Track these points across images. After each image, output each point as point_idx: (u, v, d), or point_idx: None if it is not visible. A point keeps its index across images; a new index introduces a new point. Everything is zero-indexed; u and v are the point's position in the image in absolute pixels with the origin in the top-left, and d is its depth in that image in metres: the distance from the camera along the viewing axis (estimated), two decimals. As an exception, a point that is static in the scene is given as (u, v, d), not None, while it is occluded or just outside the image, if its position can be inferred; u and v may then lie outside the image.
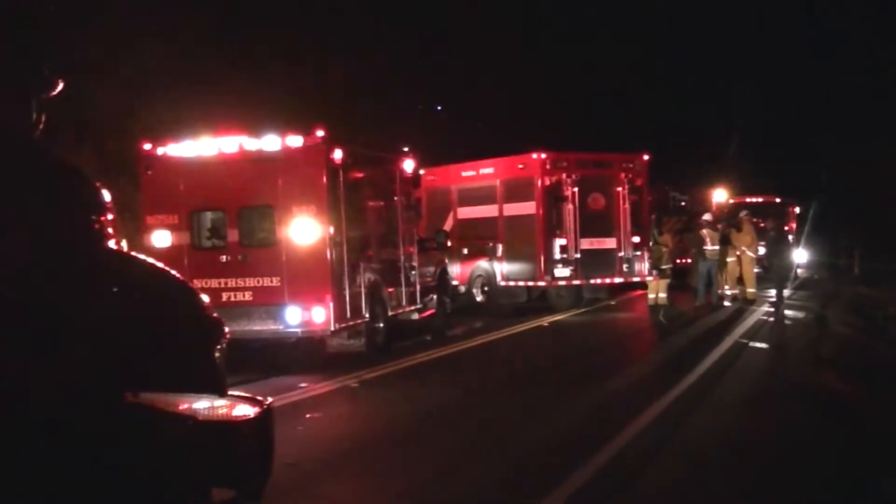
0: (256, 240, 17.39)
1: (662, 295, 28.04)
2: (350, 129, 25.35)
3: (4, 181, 3.58)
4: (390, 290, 19.52)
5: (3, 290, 3.38)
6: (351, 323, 17.48)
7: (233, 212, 17.39)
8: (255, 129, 17.50)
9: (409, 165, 21.46)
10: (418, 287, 21.37)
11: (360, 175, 18.65)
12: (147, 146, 17.49)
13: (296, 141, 17.01)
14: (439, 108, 45.77)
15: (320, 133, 17.02)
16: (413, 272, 21.14)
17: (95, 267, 3.97)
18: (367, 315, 18.06)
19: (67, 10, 3.74)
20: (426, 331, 21.90)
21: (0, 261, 3.41)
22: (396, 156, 21.34)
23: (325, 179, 16.87)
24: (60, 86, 3.86)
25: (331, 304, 16.65)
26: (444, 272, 24.43)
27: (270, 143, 17.08)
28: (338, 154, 17.20)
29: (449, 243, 25.36)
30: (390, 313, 19.44)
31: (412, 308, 21.16)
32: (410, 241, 21.32)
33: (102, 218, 4.05)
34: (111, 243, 4.18)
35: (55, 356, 3.55)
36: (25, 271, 3.49)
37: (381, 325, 18.85)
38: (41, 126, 3.87)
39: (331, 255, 16.80)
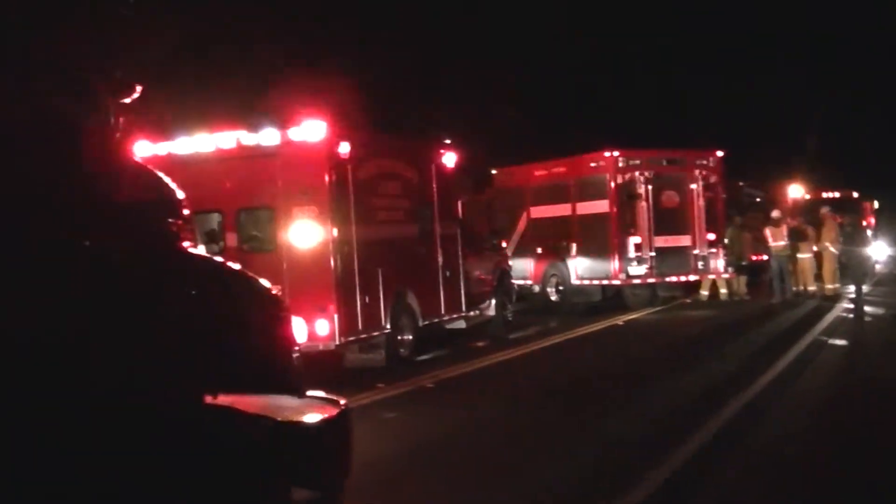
0: (256, 244, 16.22)
1: (743, 290, 27.92)
2: (384, 121, 25.33)
3: (89, 185, 3.66)
4: (423, 297, 18.02)
5: (86, 291, 3.46)
6: (364, 336, 16.15)
7: (231, 214, 16.25)
8: (253, 122, 16.47)
9: (449, 159, 19.98)
10: (466, 292, 20.03)
11: (378, 170, 17.36)
12: (139, 144, 14.88)
13: (295, 134, 15.71)
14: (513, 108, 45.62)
15: (322, 124, 15.67)
16: (457, 276, 19.68)
17: (173, 269, 4.06)
18: (388, 326, 16.72)
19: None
20: (480, 338, 20.69)
21: (84, 263, 3.49)
22: (432, 148, 19.98)
23: (328, 176, 15.55)
24: (139, 90, 3.94)
25: (335, 316, 15.29)
26: (504, 275, 23.20)
27: (269, 137, 15.87)
28: (344, 147, 15.85)
29: (504, 244, 24.60)
30: (423, 323, 18.05)
31: (457, 315, 19.84)
32: (452, 242, 19.69)
33: (179, 220, 4.13)
34: (187, 245, 4.26)
35: (136, 358, 3.62)
36: (106, 273, 3.57)
37: (408, 336, 17.48)
38: (119, 129, 3.95)
39: (336, 261, 15.48)
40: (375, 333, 16.46)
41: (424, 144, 20.39)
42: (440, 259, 19.02)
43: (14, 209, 3.34)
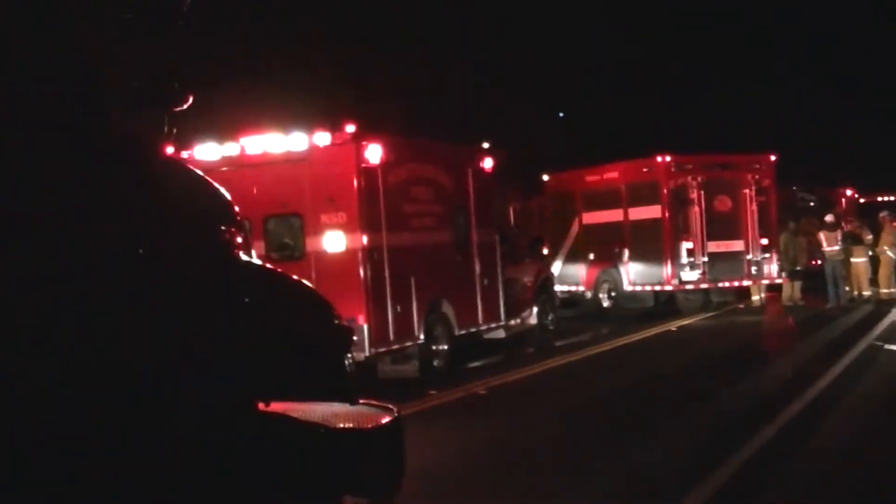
0: (284, 252, 15.84)
1: (797, 296, 27.74)
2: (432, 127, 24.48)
3: (144, 194, 3.71)
4: (459, 306, 17.59)
5: (142, 300, 3.50)
6: (396, 346, 15.85)
7: (258, 221, 15.53)
8: (282, 127, 16.17)
9: (488, 163, 19.37)
10: (505, 301, 19.55)
11: (411, 175, 16.87)
12: (168, 150, 14.69)
13: (323, 139, 15.45)
14: (561, 114, 45.64)
15: (350, 129, 15.36)
16: (495, 285, 19.21)
17: (227, 276, 4.09)
18: (422, 336, 16.37)
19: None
20: (522, 347, 20.43)
21: (139, 270, 3.53)
22: (469, 153, 19.37)
23: (356, 182, 15.22)
24: (190, 100, 3.98)
25: (365, 326, 14.93)
26: (546, 283, 22.73)
27: (297, 142, 15.59)
28: (374, 152, 15.43)
29: (545, 251, 24.21)
30: (459, 332, 17.58)
31: (496, 325, 19.34)
32: (490, 249, 19.20)
33: (232, 228, 4.16)
34: (241, 253, 4.29)
35: (191, 367, 3.66)
36: (161, 280, 3.61)
37: (443, 346, 17.02)
38: (170, 138, 4.00)
39: (365, 269, 15.14)
40: (408, 344, 16.17)
41: (460, 148, 19.80)
42: (477, 267, 18.55)
43: (75, 218, 3.38)
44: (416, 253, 16.45)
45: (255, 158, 15.91)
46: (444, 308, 17.17)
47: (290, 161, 15.50)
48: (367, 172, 15.40)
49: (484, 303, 18.62)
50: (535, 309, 21.63)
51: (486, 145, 19.99)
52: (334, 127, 15.49)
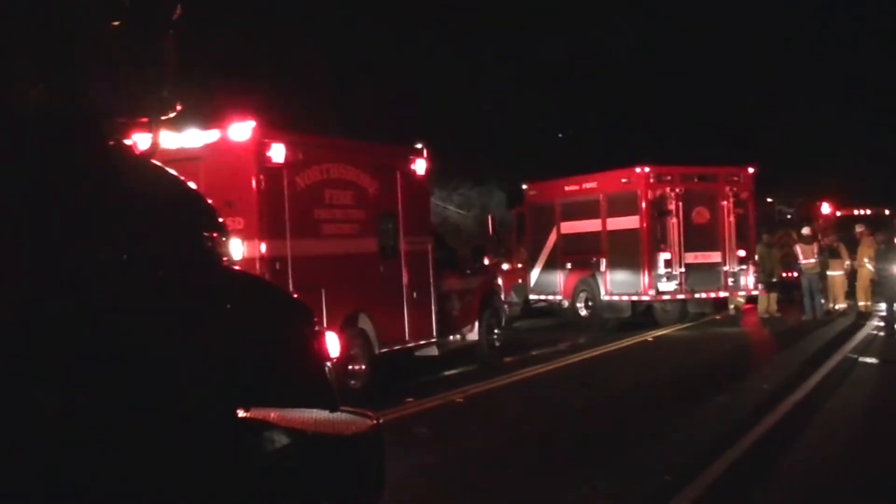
0: None
1: (773, 308, 27.91)
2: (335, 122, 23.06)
3: (128, 201, 3.73)
4: (382, 321, 15.98)
5: (122, 305, 3.52)
6: None
7: None
8: (178, 122, 13.94)
9: (420, 166, 17.85)
10: (440, 316, 18.05)
11: (326, 178, 15.31)
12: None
13: (218, 136, 14.11)
14: (560, 135, 45.73)
15: (249, 125, 13.92)
16: (427, 298, 17.65)
17: (208, 283, 4.11)
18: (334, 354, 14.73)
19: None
20: (462, 364, 19.09)
21: (122, 277, 3.55)
22: (398, 154, 17.78)
23: (256, 184, 13.90)
24: (179, 107, 4.01)
25: None
26: (492, 296, 20.98)
27: (191, 139, 14.00)
28: (278, 151, 14.15)
29: (486, 261, 22.13)
30: (381, 350, 15.95)
31: (426, 342, 17.76)
32: (422, 258, 17.67)
33: (215, 234, 4.18)
34: (223, 261, 4.31)
35: (169, 371, 3.67)
36: (144, 287, 3.63)
37: (360, 366, 15.32)
38: (157, 146, 4.03)
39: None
40: None
41: (387, 149, 18.14)
42: (406, 278, 17.02)
43: (60, 223, 3.41)
44: (329, 262, 14.94)
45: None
46: (362, 323, 15.64)
47: (186, 160, 12.81)
48: (270, 173, 14.06)
49: (412, 317, 17.11)
50: (477, 324, 19.96)
51: (418, 146, 18.17)
52: (232, 122, 14.08)
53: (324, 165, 15.32)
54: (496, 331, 20.74)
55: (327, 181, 15.36)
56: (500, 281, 22.42)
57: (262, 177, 13.94)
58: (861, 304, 27.27)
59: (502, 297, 22.27)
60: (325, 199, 15.27)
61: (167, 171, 4.21)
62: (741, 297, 27.64)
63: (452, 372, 18.29)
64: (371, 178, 16.43)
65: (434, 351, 18.20)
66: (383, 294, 16.41)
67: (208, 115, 14.97)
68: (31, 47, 3.52)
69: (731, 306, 28.40)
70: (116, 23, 3.71)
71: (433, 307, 17.86)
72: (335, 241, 15.35)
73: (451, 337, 19.25)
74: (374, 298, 15.96)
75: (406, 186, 17.35)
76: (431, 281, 17.85)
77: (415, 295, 17.25)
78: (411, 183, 17.57)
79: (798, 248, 27.71)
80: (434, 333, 17.90)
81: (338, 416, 4.85)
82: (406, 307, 16.99)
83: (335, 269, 15.08)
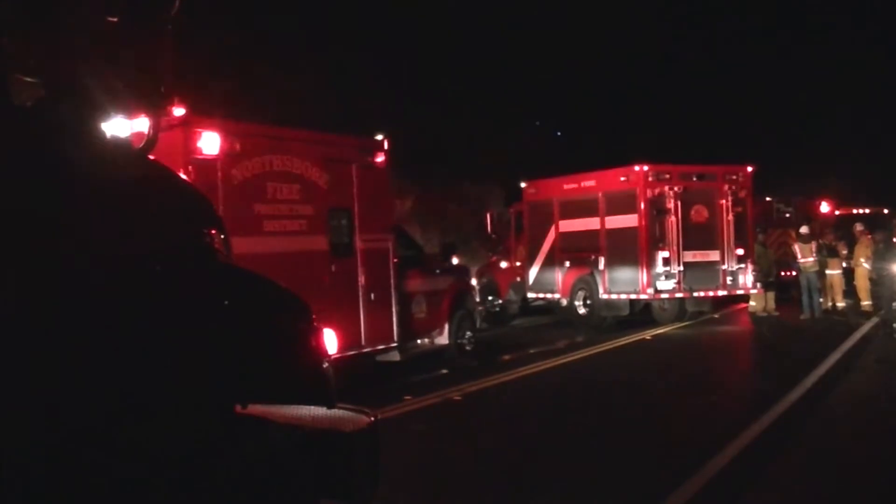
0: None
1: (771, 307, 27.92)
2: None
3: (124, 196, 3.73)
4: (333, 325, 14.22)
5: (119, 300, 3.52)
6: None
7: None
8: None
9: (379, 158, 16.95)
10: (402, 318, 17.17)
11: (268, 170, 14.50)
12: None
13: (143, 125, 12.75)
14: (538, 123, 45.75)
15: (178, 112, 12.66)
16: (387, 300, 16.74)
17: (208, 279, 4.10)
18: None
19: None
20: (432, 369, 18.28)
21: (119, 271, 3.55)
22: (354, 146, 16.76)
23: (185, 176, 12.07)
24: (176, 102, 4.01)
25: None
26: (464, 296, 19.94)
27: (119, 128, 12.56)
28: (210, 141, 13.39)
29: (455, 260, 21.09)
30: (334, 355, 13.79)
31: (384, 347, 16.73)
32: (382, 257, 16.72)
33: (213, 230, 4.18)
34: (221, 255, 4.31)
35: (165, 367, 3.67)
36: (144, 283, 3.63)
37: None
38: (155, 141, 4.03)
39: None
40: None
41: (341, 140, 16.80)
42: (362, 278, 16.11)
43: (60, 221, 3.40)
44: (272, 262, 13.07)
45: None
46: None
47: None
48: (202, 165, 13.17)
49: (370, 320, 16.08)
50: (447, 327, 19.02)
51: (379, 137, 17.11)
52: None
53: (266, 157, 14.52)
54: (468, 334, 19.75)
55: (270, 174, 14.54)
56: (473, 280, 21.01)
57: (190, 169, 12.88)
58: (864, 303, 27.28)
59: (476, 297, 20.85)
60: (267, 194, 14.43)
61: (164, 167, 4.21)
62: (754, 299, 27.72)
63: (451, 370, 18.27)
64: (321, 170, 15.57)
65: (396, 356, 17.19)
66: (335, 295, 15.36)
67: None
68: (29, 41, 3.52)
69: (754, 304, 28.27)
70: (114, 18, 3.71)
71: (394, 309, 16.93)
72: (279, 239, 14.49)
73: (419, 341, 18.38)
74: (323, 300, 14.09)
75: (363, 180, 16.41)
76: (392, 281, 16.95)
77: (372, 296, 16.31)
78: (369, 176, 16.60)
79: (796, 247, 27.74)
80: (395, 338, 16.95)
81: (335, 412, 4.84)
82: (362, 309, 16.02)
83: (279, 268, 12.58)
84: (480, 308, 21.13)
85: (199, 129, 13.32)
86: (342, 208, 15.99)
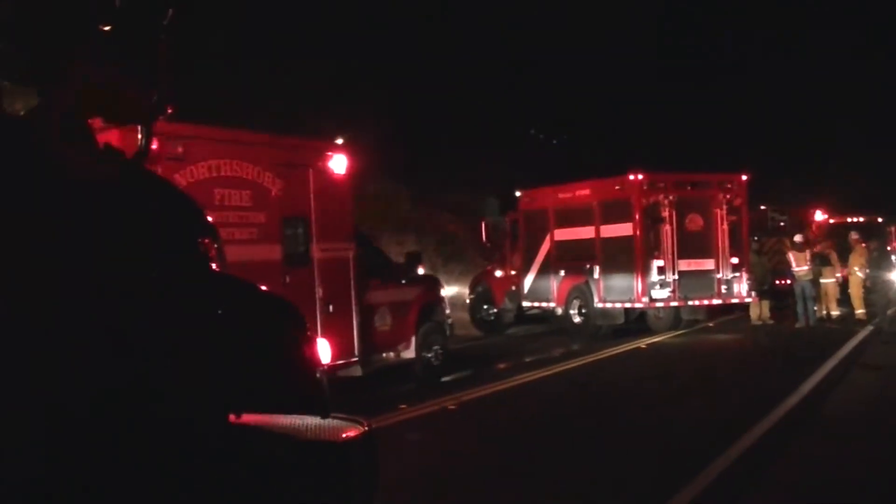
0: None
1: (766, 315, 27.96)
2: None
3: (118, 205, 3.71)
4: None
5: (112, 309, 3.50)
6: None
7: None
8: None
9: (339, 164, 15.95)
10: (364, 332, 16.27)
11: (213, 175, 13.68)
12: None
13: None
14: (532, 131, 45.80)
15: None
16: (348, 311, 15.84)
17: (202, 288, 4.09)
18: None
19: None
20: (456, 371, 18.72)
21: (113, 280, 3.53)
22: (311, 150, 15.89)
23: None
24: (169, 111, 4.00)
25: None
26: (433, 308, 19.10)
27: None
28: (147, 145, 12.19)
29: (421, 270, 19.91)
30: None
31: (344, 361, 15.68)
32: (341, 268, 15.86)
33: (207, 239, 4.16)
34: (215, 266, 4.29)
35: (159, 376, 3.65)
36: (140, 293, 3.61)
37: None
38: (147, 151, 4.01)
39: None
40: None
41: (295, 143, 15.97)
42: (319, 290, 15.21)
43: (47, 231, 3.39)
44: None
45: None
46: None
47: None
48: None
49: (328, 334, 15.04)
50: (414, 340, 18.11)
51: (339, 141, 16.28)
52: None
53: (212, 161, 13.70)
54: (436, 347, 18.66)
55: (217, 179, 13.70)
56: (443, 292, 20.20)
57: None
58: (858, 311, 27.32)
59: (447, 309, 20.00)
60: (213, 201, 13.47)
61: (157, 176, 4.20)
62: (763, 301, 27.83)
63: (447, 379, 18.25)
64: (275, 176, 14.76)
65: (357, 371, 16.15)
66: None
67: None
68: (22, 50, 3.51)
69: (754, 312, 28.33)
70: (107, 26, 3.70)
71: (354, 321, 16.03)
72: (227, 249, 12.83)
73: (383, 354, 17.45)
74: None
75: (321, 186, 15.57)
76: (353, 292, 16.05)
77: (331, 308, 15.44)
78: (328, 182, 15.74)
79: (791, 256, 27.77)
80: (356, 352, 16.02)
81: (330, 422, 4.82)
82: (319, 322, 15.05)
83: None
84: (450, 321, 20.04)
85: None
86: (298, 216, 15.20)
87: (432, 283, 19.95)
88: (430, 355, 18.50)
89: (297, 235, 15.11)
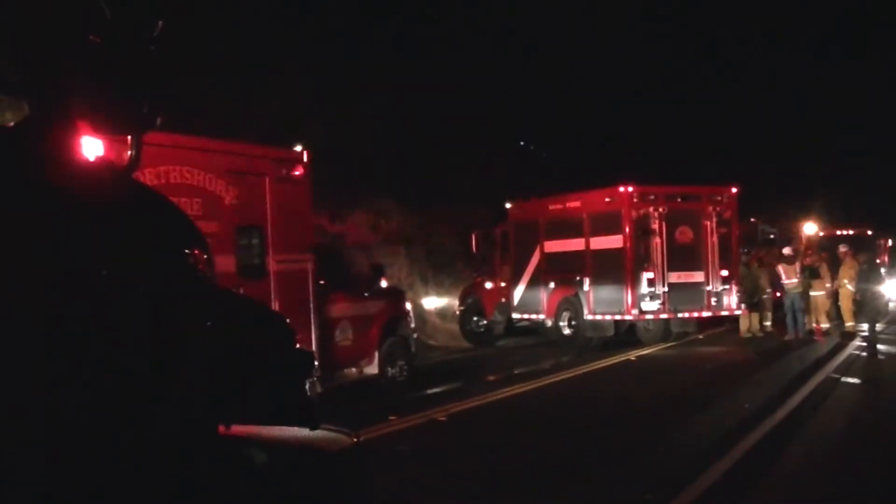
0: None
1: (756, 327, 28.02)
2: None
3: (108, 216, 3.71)
4: None
5: (101, 322, 3.49)
6: None
7: None
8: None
9: (296, 170, 15.51)
10: (325, 347, 15.70)
11: (163, 183, 12.92)
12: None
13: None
14: (522, 143, 45.85)
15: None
16: (306, 326, 15.16)
17: (192, 300, 4.08)
18: None
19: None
20: (446, 383, 18.52)
21: (100, 293, 3.53)
22: (267, 156, 15.30)
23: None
24: (158, 121, 3.99)
25: None
26: (398, 322, 18.50)
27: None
28: (92, 149, 10.76)
29: (384, 283, 19.42)
30: None
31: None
32: (299, 279, 15.29)
33: (196, 252, 4.16)
34: (204, 277, 4.28)
35: (148, 388, 3.64)
36: (121, 304, 3.60)
37: None
38: (137, 162, 4.01)
39: None
40: None
41: (250, 150, 15.33)
42: (276, 303, 14.49)
43: (35, 243, 3.38)
44: None
45: None
46: None
47: None
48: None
49: None
50: (377, 355, 17.59)
51: (298, 148, 15.78)
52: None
53: (160, 168, 13.08)
54: (400, 363, 18.26)
55: (165, 187, 12.76)
56: (408, 305, 19.57)
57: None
58: (848, 324, 27.38)
59: (412, 323, 19.45)
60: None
61: (147, 188, 4.19)
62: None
63: (437, 390, 18.24)
64: (227, 184, 14.21)
65: (316, 388, 15.22)
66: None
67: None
68: (12, 62, 3.51)
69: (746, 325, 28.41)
70: (97, 38, 3.70)
71: (313, 336, 15.45)
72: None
73: (345, 370, 16.91)
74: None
75: (278, 195, 15.04)
76: (312, 305, 15.51)
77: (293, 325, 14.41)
78: (285, 191, 15.21)
79: (780, 268, 27.85)
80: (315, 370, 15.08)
81: (318, 433, 4.82)
82: None
83: None
84: (415, 336, 19.55)
85: (76, 138, 11.86)
86: (253, 225, 14.68)
87: (397, 297, 19.38)
88: (394, 371, 18.05)
89: (251, 246, 14.65)
